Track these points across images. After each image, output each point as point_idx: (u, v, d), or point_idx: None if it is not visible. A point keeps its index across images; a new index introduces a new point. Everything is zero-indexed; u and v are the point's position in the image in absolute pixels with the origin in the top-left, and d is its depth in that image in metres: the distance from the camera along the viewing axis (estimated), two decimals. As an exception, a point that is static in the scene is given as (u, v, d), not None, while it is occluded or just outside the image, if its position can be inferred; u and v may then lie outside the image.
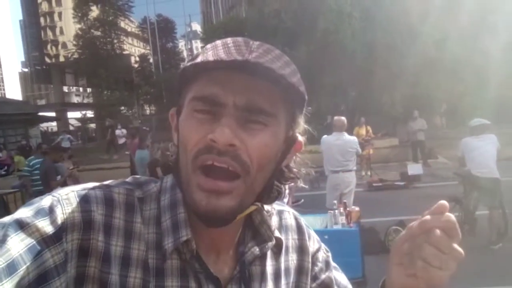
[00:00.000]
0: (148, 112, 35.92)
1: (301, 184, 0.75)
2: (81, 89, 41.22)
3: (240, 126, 0.61)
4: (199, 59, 0.63)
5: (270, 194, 0.70)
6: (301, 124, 0.71)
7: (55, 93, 37.42)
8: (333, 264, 0.89)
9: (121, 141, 19.81)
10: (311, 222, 4.24)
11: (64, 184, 7.71)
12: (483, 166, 5.41)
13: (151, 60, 35.52)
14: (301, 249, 0.82)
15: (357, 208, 4.07)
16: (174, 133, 0.70)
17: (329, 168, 6.02)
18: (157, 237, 0.66)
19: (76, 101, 42.47)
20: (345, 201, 4.35)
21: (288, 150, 0.70)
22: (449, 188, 5.89)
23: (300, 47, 14.77)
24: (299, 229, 0.83)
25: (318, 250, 0.85)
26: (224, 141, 0.59)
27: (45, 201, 0.61)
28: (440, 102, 13.55)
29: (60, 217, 0.59)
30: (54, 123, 35.08)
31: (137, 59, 36.48)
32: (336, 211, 3.90)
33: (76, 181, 8.56)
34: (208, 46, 0.66)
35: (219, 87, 0.61)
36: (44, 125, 34.17)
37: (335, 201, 4.12)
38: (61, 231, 0.58)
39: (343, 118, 6.06)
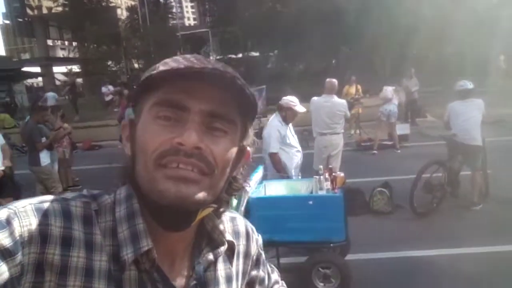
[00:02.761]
0: (136, 66, 35.06)
1: (247, 194, 0.81)
2: (66, 42, 39.82)
3: (204, 132, 0.65)
4: (162, 68, 0.64)
5: (223, 200, 0.74)
6: (251, 135, 0.76)
7: (38, 47, 36.11)
8: (264, 261, 0.93)
9: (108, 98, 19.52)
10: (297, 187, 4.30)
11: (59, 144, 7.63)
12: (467, 133, 5.48)
13: (139, 13, 34.28)
14: (246, 254, 0.86)
15: (342, 174, 4.11)
16: (127, 143, 0.72)
17: (317, 130, 6.03)
18: (114, 249, 0.67)
19: (62, 55, 41.26)
20: (330, 166, 4.37)
21: (239, 159, 0.73)
22: (436, 148, 5.99)
23: (291, 4, 14.35)
24: (247, 235, 0.87)
25: (255, 250, 0.89)
26: (191, 144, 0.63)
27: (1, 213, 0.60)
28: (430, 61, 13.43)
29: (17, 230, 0.59)
30: (40, 78, 34.27)
31: (124, 11, 35.19)
32: (321, 177, 3.92)
33: (71, 141, 8.50)
34: (167, 60, 0.67)
35: (184, 93, 0.65)
36: (29, 81, 33.40)
37: (321, 166, 4.13)
38: (18, 244, 0.58)
39: (334, 80, 6.00)
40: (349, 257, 4.41)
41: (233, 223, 0.85)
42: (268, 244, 3.99)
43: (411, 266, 4.33)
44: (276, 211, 3.92)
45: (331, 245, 3.87)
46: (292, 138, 4.84)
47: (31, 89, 33.69)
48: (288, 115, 4.75)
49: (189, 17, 68.50)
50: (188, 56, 0.67)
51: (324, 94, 5.95)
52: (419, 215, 5.42)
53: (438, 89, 13.41)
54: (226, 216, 0.83)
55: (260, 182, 4.35)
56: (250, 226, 0.88)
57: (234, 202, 4.00)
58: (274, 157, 4.62)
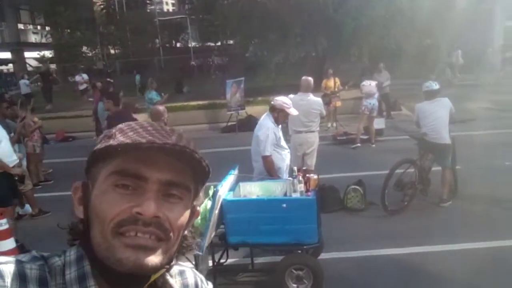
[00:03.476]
0: (113, 52, 34.21)
1: (195, 251, 0.83)
2: (38, 27, 38.42)
3: (161, 200, 0.68)
4: (122, 140, 0.67)
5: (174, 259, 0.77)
6: (201, 197, 0.79)
7: (9, 32, 34.74)
8: None
9: (82, 87, 19.05)
10: (271, 189, 4.32)
11: (31, 138, 7.41)
12: (435, 132, 5.61)
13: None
14: None
15: (315, 176, 4.15)
16: (79, 206, 0.73)
17: (292, 128, 6.06)
18: None
19: (34, 39, 39.77)
20: (304, 168, 4.42)
21: (191, 220, 0.77)
22: (409, 142, 6.08)
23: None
24: (197, 287, 0.88)
25: None
26: (150, 214, 0.66)
27: None
28: (407, 54, 13.60)
29: None
30: (11, 64, 33.05)
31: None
32: (295, 179, 3.96)
33: (42, 135, 8.27)
34: (124, 127, 0.71)
35: (142, 163, 0.67)
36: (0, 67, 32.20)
37: (295, 168, 4.16)
38: None
39: (310, 78, 6.00)
40: (322, 255, 4.49)
41: (182, 276, 0.86)
42: (241, 246, 4.07)
43: (382, 264, 4.43)
44: (250, 214, 3.94)
45: (304, 247, 3.93)
46: (283, 139, 4.86)
47: (0, 75, 32.45)
48: (279, 116, 4.71)
49: (168, 1, 67.23)
50: (146, 125, 0.71)
51: (300, 92, 5.96)
52: (390, 212, 5.54)
53: (416, 82, 13.61)
54: (175, 270, 0.84)
55: (235, 183, 4.37)
56: (200, 277, 0.90)
57: (208, 204, 4.01)
58: (267, 159, 4.59)
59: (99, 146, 0.69)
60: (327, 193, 5.69)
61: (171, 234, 0.69)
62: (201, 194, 0.81)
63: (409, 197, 5.66)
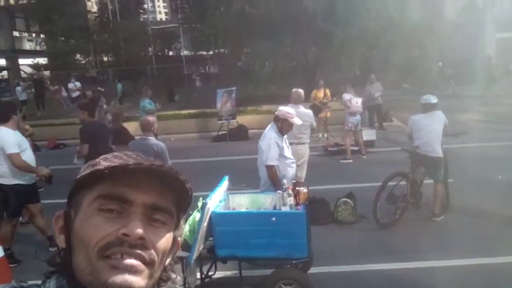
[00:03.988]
0: (106, 60, 34.18)
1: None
2: (33, 34, 38.33)
3: (146, 223, 0.68)
4: (108, 164, 0.68)
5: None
6: (182, 227, 0.81)
7: (4, 39, 34.65)
8: None
9: (75, 94, 18.98)
10: (261, 201, 4.27)
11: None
12: (428, 145, 5.59)
13: (109, 7, 33.44)
14: None
15: (305, 189, 4.10)
16: (60, 235, 0.72)
17: (283, 139, 6.01)
18: None
19: (29, 46, 39.67)
20: (294, 181, 4.37)
21: (172, 249, 0.76)
22: (401, 153, 6.05)
23: (259, 5, 14.28)
24: None
25: None
26: (137, 235, 0.66)
27: None
28: (398, 65, 13.69)
29: None
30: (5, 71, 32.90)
31: (94, 5, 34.24)
32: (285, 193, 3.91)
33: (33, 142, 8.18)
34: (108, 156, 0.72)
35: (127, 187, 0.68)
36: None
37: (285, 181, 4.11)
38: None
39: (300, 90, 5.99)
40: (312, 269, 4.43)
41: None
42: (230, 259, 4.00)
43: (372, 279, 4.38)
44: (238, 227, 3.89)
45: (294, 261, 3.87)
46: (287, 149, 4.79)
47: (-5, 82, 32.29)
48: (283, 126, 4.65)
49: (161, 11, 67.35)
50: (129, 153, 0.73)
51: (290, 104, 5.94)
52: (382, 226, 5.49)
53: (406, 92, 13.70)
54: None
55: (225, 195, 4.31)
56: None
57: (197, 216, 3.95)
58: (271, 169, 4.52)
59: (84, 172, 0.70)
60: (317, 205, 5.65)
61: (155, 258, 0.69)
62: (182, 222, 0.80)
63: (401, 210, 5.62)
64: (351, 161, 9.00)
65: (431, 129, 5.58)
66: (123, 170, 0.66)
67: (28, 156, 4.98)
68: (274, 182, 4.48)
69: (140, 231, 0.66)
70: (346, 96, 9.09)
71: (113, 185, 0.67)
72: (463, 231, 5.34)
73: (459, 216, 5.82)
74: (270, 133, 4.66)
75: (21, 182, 4.96)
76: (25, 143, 5.06)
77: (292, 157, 4.87)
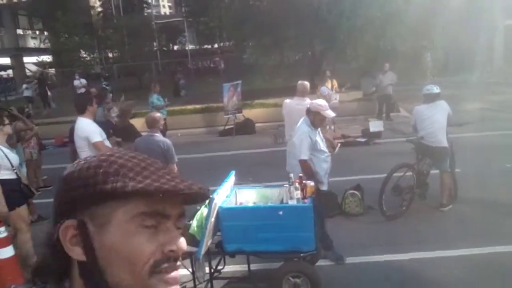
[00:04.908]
0: (110, 56, 34.24)
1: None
2: (37, 32, 38.46)
3: None
4: (148, 182, 0.66)
5: None
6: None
7: (8, 37, 34.82)
8: None
9: (80, 91, 19.06)
10: (268, 195, 4.29)
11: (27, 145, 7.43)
12: (432, 136, 5.56)
13: (112, 2, 33.42)
14: None
15: (312, 183, 4.11)
16: (74, 247, 0.67)
17: (289, 132, 6.01)
18: None
19: (33, 44, 39.85)
20: (300, 174, 4.37)
21: None
22: (408, 144, 6.02)
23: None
24: None
25: None
26: (182, 250, 0.70)
27: None
28: (403, 55, 13.54)
29: None
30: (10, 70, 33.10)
31: (97, 0, 34.23)
32: (291, 186, 3.92)
33: (39, 141, 8.27)
34: (134, 166, 0.68)
35: (165, 203, 0.68)
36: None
37: (291, 175, 4.12)
38: None
39: (306, 82, 5.97)
40: (320, 262, 4.46)
41: None
42: (238, 254, 4.04)
43: (380, 270, 4.39)
44: (246, 221, 3.91)
45: (301, 254, 3.89)
46: (321, 143, 4.68)
47: (1, 80, 32.53)
48: (316, 119, 4.55)
49: (165, 5, 67.24)
50: (148, 160, 0.72)
51: (296, 97, 5.93)
52: (388, 217, 5.50)
53: (412, 84, 13.56)
54: None
55: (232, 190, 4.34)
56: None
57: (205, 211, 3.98)
58: (304, 164, 4.49)
59: (118, 185, 0.65)
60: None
61: None
62: None
63: (407, 201, 5.62)
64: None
65: (434, 119, 5.55)
66: (176, 194, 0.67)
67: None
68: (309, 176, 4.41)
69: (185, 247, 0.71)
70: (325, 91, 8.99)
71: (153, 201, 0.66)
72: (471, 221, 5.33)
73: (467, 206, 5.80)
74: (302, 127, 4.59)
75: None
76: (103, 133, 5.16)
77: (327, 151, 4.74)
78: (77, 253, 0.67)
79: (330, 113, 4.60)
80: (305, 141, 4.47)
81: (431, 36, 13.61)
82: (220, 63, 26.39)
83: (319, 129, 4.68)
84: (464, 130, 6.41)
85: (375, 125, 9.63)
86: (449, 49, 16.00)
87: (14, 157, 5.05)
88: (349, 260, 4.62)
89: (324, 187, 4.77)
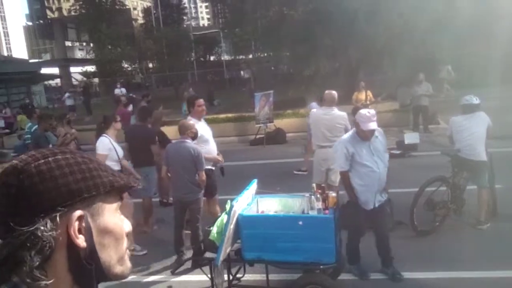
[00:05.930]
0: (151, 66, 35.39)
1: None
2: (84, 43, 40.46)
3: None
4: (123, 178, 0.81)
5: None
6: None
7: (58, 49, 36.82)
8: None
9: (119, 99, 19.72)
10: (290, 205, 4.17)
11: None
12: (471, 148, 5.23)
13: (153, 15, 34.58)
14: None
15: (334, 194, 3.96)
16: (80, 236, 0.73)
17: (316, 142, 5.89)
18: None
19: (80, 55, 41.94)
20: (323, 185, 4.23)
21: None
22: (444, 158, 5.70)
23: (298, 7, 14.14)
24: None
25: None
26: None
27: None
28: (444, 65, 13.03)
29: None
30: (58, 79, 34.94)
31: (139, 13, 35.53)
32: (313, 196, 3.79)
33: (78, 146, 8.57)
34: (95, 165, 0.78)
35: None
36: (49, 81, 34.10)
37: (314, 185, 3.99)
38: None
39: (334, 92, 5.82)
40: (343, 276, 4.27)
41: None
42: (257, 262, 3.94)
43: (408, 289, 4.15)
44: (265, 230, 3.82)
45: (321, 267, 3.74)
46: (367, 156, 4.22)
47: (49, 88, 34.35)
48: (358, 131, 4.24)
49: (203, 17, 68.70)
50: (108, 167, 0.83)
51: (324, 106, 5.79)
52: (420, 233, 5.21)
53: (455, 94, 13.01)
54: None
55: (254, 198, 4.26)
56: None
57: (225, 218, 3.92)
58: (342, 175, 4.33)
59: (114, 184, 0.78)
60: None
61: None
62: None
63: (440, 217, 5.30)
64: (306, 173, 8.10)
65: (473, 131, 5.22)
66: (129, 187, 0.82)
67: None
68: (346, 188, 4.26)
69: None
70: (313, 106, 8.49)
71: (121, 192, 0.83)
72: (511, 240, 4.95)
73: (507, 224, 5.40)
74: (344, 136, 4.44)
75: None
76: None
77: (374, 166, 4.24)
78: (82, 241, 0.73)
79: (369, 125, 4.13)
80: (339, 152, 4.29)
81: (476, 43, 13.01)
82: (245, 74, 26.31)
83: (372, 140, 4.25)
84: (505, 144, 6.00)
85: (410, 137, 9.26)
86: (492, 57, 15.23)
87: (120, 150, 5.44)
88: (374, 276, 4.40)
89: (365, 206, 4.33)
